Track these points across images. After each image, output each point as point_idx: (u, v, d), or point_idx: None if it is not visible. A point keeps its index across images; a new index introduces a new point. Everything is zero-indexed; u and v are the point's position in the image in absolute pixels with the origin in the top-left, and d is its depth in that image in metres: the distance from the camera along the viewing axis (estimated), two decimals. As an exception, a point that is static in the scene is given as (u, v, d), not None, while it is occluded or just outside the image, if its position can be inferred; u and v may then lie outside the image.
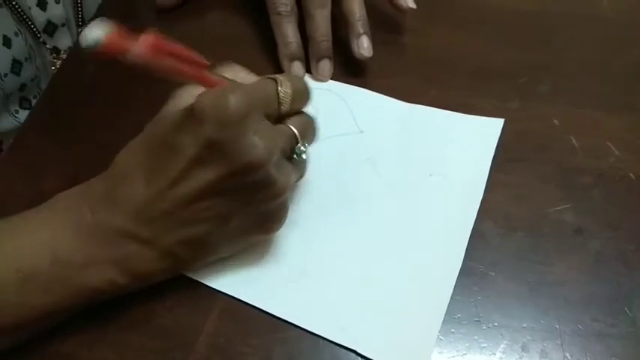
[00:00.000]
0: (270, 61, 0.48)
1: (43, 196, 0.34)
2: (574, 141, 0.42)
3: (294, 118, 0.35)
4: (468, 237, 0.37)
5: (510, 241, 0.37)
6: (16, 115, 0.51)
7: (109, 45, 0.24)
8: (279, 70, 0.47)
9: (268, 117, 0.33)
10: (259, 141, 0.31)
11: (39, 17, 0.51)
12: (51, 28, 0.52)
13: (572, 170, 0.41)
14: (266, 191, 0.32)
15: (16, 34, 0.47)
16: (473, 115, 0.43)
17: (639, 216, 0.38)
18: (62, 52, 0.53)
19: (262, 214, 0.34)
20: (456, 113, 0.44)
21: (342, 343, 0.33)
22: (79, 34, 0.53)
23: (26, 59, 0.49)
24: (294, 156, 0.35)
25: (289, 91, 0.33)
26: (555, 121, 0.44)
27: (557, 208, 0.39)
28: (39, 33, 0.50)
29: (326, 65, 0.46)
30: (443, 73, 0.47)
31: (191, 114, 0.30)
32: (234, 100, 0.30)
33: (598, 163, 0.41)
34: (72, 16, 0.53)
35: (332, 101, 0.45)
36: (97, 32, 0.23)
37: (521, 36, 0.50)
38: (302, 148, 0.35)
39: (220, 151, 0.30)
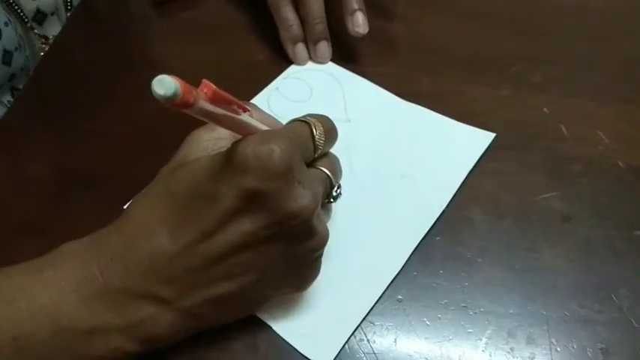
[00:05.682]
0: (265, 47, 0.48)
1: (27, 181, 0.34)
2: (564, 129, 0.42)
3: (325, 160, 0.33)
4: (416, 244, 0.36)
5: (498, 228, 0.37)
6: (9, 106, 0.51)
7: (182, 98, 0.23)
8: (276, 54, 0.47)
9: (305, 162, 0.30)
10: (305, 190, 0.28)
11: (28, 6, 0.50)
12: (40, 16, 0.52)
13: (562, 158, 0.41)
14: (306, 244, 0.30)
15: (6, 24, 0.47)
16: (465, 125, 0.42)
17: (627, 204, 0.38)
18: (51, 38, 0.52)
19: (295, 269, 0.31)
20: (450, 119, 0.42)
21: (265, 321, 0.33)
22: (67, 19, 0.52)
23: (16, 49, 0.48)
24: (330, 199, 0.33)
25: (323, 134, 0.31)
26: (545, 110, 0.44)
27: (546, 195, 0.39)
28: (27, 19, 0.50)
29: (324, 47, 0.46)
30: (435, 61, 0.47)
31: (231, 163, 0.27)
32: (279, 150, 0.27)
33: (587, 151, 0.41)
34: (61, 4, 0.53)
35: (329, 84, 0.45)
36: (172, 84, 0.22)
37: (513, 25, 0.50)
38: (338, 190, 0.33)
39: (264, 202, 0.27)
